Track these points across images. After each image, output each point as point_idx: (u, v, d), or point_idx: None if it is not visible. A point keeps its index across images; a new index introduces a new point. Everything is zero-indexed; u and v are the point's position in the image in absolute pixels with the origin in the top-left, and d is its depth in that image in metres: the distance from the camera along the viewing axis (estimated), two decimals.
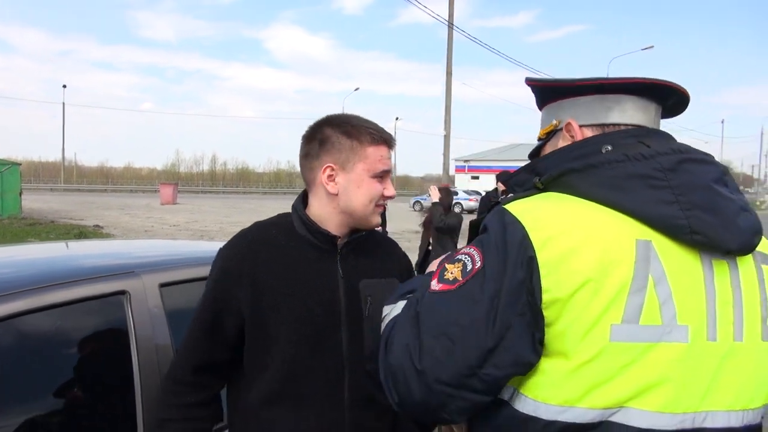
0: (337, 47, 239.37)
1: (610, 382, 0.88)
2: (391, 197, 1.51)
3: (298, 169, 1.55)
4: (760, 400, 0.98)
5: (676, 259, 0.94)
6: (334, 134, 1.45)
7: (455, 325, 0.91)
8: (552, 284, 0.89)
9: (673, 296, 0.92)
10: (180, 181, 60.85)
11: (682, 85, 1.10)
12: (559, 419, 0.90)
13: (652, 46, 37.11)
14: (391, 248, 1.66)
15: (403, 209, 32.43)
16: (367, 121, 1.50)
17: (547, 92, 1.18)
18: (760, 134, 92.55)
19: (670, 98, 1.13)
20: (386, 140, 1.48)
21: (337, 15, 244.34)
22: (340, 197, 1.47)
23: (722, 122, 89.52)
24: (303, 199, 1.53)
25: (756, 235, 0.97)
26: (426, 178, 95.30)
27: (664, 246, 0.94)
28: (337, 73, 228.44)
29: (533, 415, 0.92)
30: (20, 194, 20.06)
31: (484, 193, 10.37)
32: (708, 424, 0.92)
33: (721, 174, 0.99)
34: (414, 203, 35.89)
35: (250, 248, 1.45)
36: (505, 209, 0.98)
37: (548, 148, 1.18)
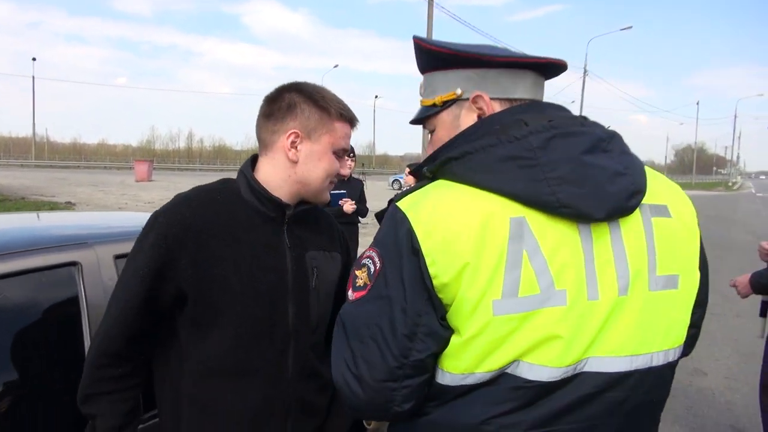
0: (316, 24, 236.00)
1: (499, 348, 0.97)
2: (344, 175, 1.54)
3: None
4: (655, 344, 1.05)
5: (551, 232, 1.00)
6: (304, 102, 1.42)
7: (375, 326, 1.00)
8: (438, 271, 0.97)
9: (548, 266, 0.98)
10: (156, 158, 59.87)
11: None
12: (464, 383, 1.00)
13: (630, 27, 37.36)
14: (332, 223, 1.64)
15: (382, 188, 32.35)
16: (336, 97, 1.48)
17: (450, 59, 1.14)
18: (733, 116, 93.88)
19: (556, 73, 1.20)
20: (352, 119, 1.49)
21: None
22: (299, 166, 1.43)
23: (697, 104, 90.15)
24: (252, 165, 1.48)
25: (633, 196, 1.02)
26: (405, 157, 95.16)
27: (538, 221, 0.99)
28: (316, 50, 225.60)
29: (445, 383, 1.02)
30: None
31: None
32: (588, 369, 1.00)
33: (597, 141, 1.03)
34: (393, 182, 35.97)
35: (193, 213, 1.35)
36: (396, 206, 1.05)
37: (445, 117, 1.18)
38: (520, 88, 1.13)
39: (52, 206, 15.23)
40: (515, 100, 1.13)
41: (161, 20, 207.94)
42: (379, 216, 1.22)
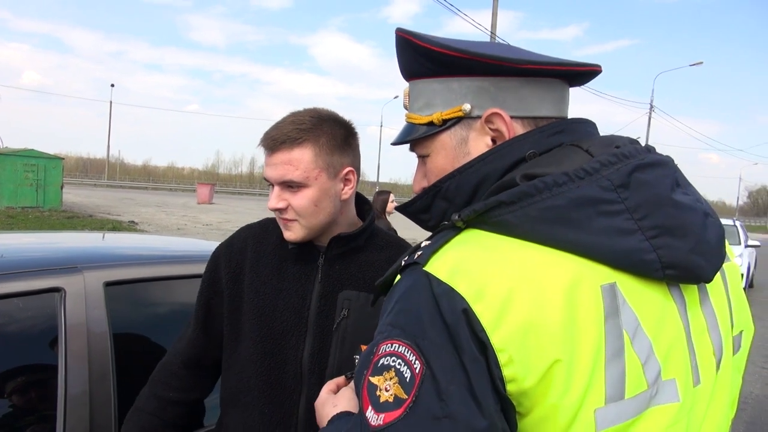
0: (381, 56, 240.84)
1: None
2: (269, 208, 1.30)
3: None
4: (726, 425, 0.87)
5: (645, 299, 0.75)
6: None
7: None
8: (516, 373, 0.67)
9: (654, 350, 0.73)
10: (219, 182, 61.93)
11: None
12: None
13: (701, 62, 36.04)
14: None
15: None
16: (284, 118, 1.31)
17: (456, 63, 0.85)
18: None
19: (585, 81, 0.95)
20: (262, 143, 1.30)
21: (383, 24, 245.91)
22: None
23: None
24: None
25: (723, 245, 0.81)
26: None
27: (630, 287, 0.74)
28: (378, 82, 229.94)
29: None
30: (61, 188, 20.62)
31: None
32: None
33: (675, 174, 0.80)
34: None
35: (244, 240, 1.40)
36: (426, 272, 0.72)
37: (447, 140, 0.89)
38: (546, 102, 0.86)
39: (115, 224, 15.81)
40: (540, 119, 0.87)
41: (233, 51, 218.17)
42: (385, 286, 0.85)
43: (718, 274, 0.83)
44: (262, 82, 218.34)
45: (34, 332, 1.53)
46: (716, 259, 0.79)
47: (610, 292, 0.72)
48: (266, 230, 1.41)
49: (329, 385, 1.02)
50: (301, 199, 1.27)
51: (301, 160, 1.25)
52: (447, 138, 0.89)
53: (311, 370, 1.29)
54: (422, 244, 0.80)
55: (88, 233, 3.21)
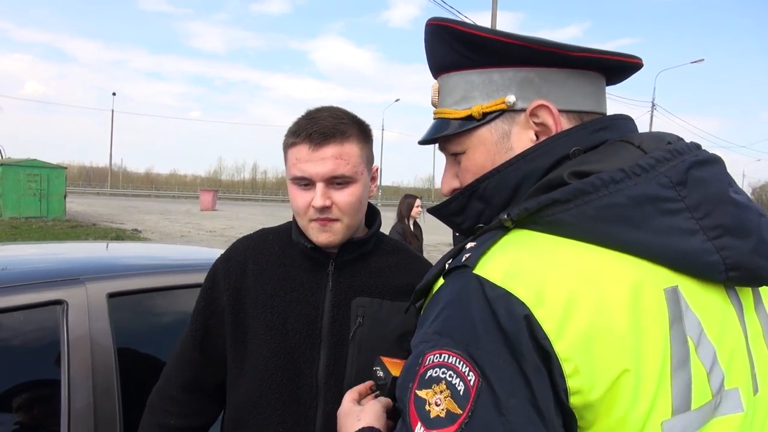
0: (381, 59, 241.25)
1: None
2: (316, 207, 1.20)
3: None
4: None
5: (707, 303, 0.71)
6: None
7: None
8: (582, 384, 0.63)
9: (718, 357, 0.69)
10: (221, 189, 62.10)
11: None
12: None
13: (702, 59, 36.09)
14: (415, 266, 1.36)
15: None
16: (307, 116, 1.24)
17: (502, 52, 0.81)
18: None
19: (621, 78, 0.91)
20: (303, 138, 1.19)
21: (383, 28, 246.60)
22: None
23: None
24: None
25: None
26: None
27: (691, 290, 0.70)
28: (379, 85, 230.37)
29: None
30: (65, 197, 20.68)
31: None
32: None
33: (726, 171, 0.77)
34: None
35: (243, 254, 1.33)
36: (477, 276, 0.68)
37: (487, 135, 0.84)
38: (591, 97, 0.83)
39: (119, 233, 15.83)
40: (585, 113, 0.82)
41: (234, 57, 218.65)
42: (423, 292, 0.80)
43: None
44: (263, 88, 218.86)
45: (36, 346, 1.51)
46: None
47: (673, 296, 0.68)
48: (265, 241, 1.34)
49: (352, 394, 0.98)
50: (348, 196, 1.21)
51: (351, 154, 1.21)
52: (487, 133, 0.84)
53: (327, 384, 1.24)
54: (467, 246, 0.75)
55: (91, 243, 3.22)
